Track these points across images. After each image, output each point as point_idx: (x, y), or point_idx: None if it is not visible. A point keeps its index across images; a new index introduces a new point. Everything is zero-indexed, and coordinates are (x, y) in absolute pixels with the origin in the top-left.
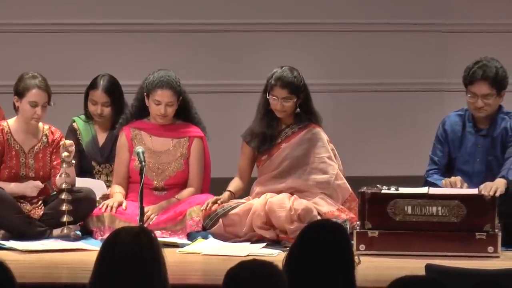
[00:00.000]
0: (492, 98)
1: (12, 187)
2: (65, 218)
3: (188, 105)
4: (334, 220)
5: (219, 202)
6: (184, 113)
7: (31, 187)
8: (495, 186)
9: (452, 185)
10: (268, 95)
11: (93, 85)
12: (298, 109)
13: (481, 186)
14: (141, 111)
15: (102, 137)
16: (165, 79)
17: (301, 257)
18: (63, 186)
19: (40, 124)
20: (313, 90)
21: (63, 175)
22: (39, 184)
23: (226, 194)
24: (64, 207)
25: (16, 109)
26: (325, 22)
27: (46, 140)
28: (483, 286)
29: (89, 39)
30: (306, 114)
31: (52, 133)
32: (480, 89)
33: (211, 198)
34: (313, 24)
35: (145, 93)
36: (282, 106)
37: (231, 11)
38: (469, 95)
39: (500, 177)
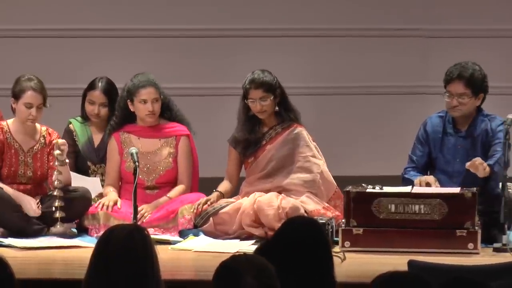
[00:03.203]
0: (467, 98)
1: (12, 193)
2: (57, 214)
3: (170, 104)
4: (319, 218)
5: (208, 202)
6: (167, 112)
7: (31, 205)
8: (485, 164)
9: (422, 184)
10: (246, 100)
11: (91, 86)
12: (277, 108)
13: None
14: (125, 119)
15: (97, 138)
16: (144, 79)
17: (276, 249)
18: (55, 183)
19: (38, 125)
20: (300, 93)
21: (55, 172)
22: (37, 210)
23: (215, 195)
24: (56, 203)
25: (13, 111)
26: (311, 27)
27: (44, 141)
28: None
29: (84, 44)
30: (286, 112)
31: (49, 134)
32: (456, 88)
33: (202, 199)
34: (299, 29)
35: (128, 100)
36: (261, 106)
37: (220, 17)
38: (446, 94)
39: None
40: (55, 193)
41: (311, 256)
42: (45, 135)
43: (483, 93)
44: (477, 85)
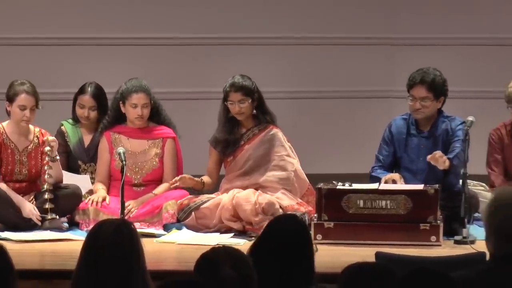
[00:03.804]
0: (429, 102)
1: (13, 196)
2: (47, 205)
3: (159, 108)
4: (294, 213)
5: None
6: (156, 116)
7: (30, 210)
8: (445, 157)
9: (388, 181)
10: (226, 102)
11: (81, 91)
12: (255, 111)
13: (431, 155)
14: (117, 119)
15: (87, 139)
16: (137, 84)
17: (267, 246)
18: (46, 177)
19: (31, 127)
20: (277, 97)
21: (46, 167)
22: (37, 215)
23: (199, 179)
24: (46, 195)
25: (8, 113)
26: (288, 36)
27: (37, 141)
28: (420, 272)
29: (75, 52)
30: (262, 115)
31: (42, 134)
32: (418, 92)
33: (187, 198)
34: (277, 38)
35: (120, 102)
36: (240, 108)
37: (205, 27)
38: (410, 98)
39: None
40: (45, 187)
41: (296, 249)
42: (38, 136)
43: (443, 97)
44: (438, 89)
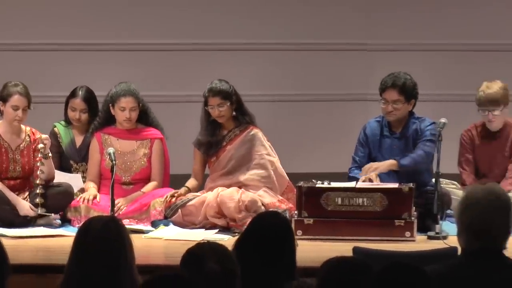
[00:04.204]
0: (401, 104)
1: (8, 194)
2: (37, 200)
3: (147, 111)
4: (276, 209)
5: (176, 195)
6: (144, 118)
7: (28, 210)
8: (374, 166)
9: (365, 180)
10: (206, 107)
11: (73, 94)
12: (234, 113)
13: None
14: (107, 120)
15: (79, 140)
16: (126, 88)
17: (250, 241)
18: (38, 172)
19: (23, 126)
20: (257, 100)
21: (38, 163)
22: (31, 212)
23: (183, 189)
24: (38, 190)
25: (1, 113)
26: (268, 42)
27: (29, 139)
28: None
29: (67, 57)
30: (242, 116)
31: (33, 133)
32: (390, 96)
33: (170, 192)
34: (257, 44)
35: (110, 104)
36: (219, 111)
37: (188, 34)
38: (382, 101)
39: (393, 159)
40: (37, 181)
41: (279, 245)
42: (29, 134)
43: (414, 99)
44: (409, 92)
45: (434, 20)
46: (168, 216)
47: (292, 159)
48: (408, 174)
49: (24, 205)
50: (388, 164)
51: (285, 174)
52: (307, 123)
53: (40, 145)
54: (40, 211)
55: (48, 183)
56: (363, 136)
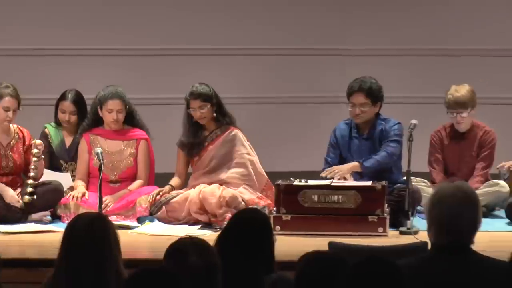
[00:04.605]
0: (368, 107)
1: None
2: (28, 189)
3: (133, 113)
4: (254, 206)
5: (161, 193)
6: (130, 119)
7: (12, 196)
8: (337, 171)
9: (342, 178)
10: (188, 109)
11: (62, 97)
12: (215, 115)
13: (327, 169)
14: (95, 122)
15: (68, 140)
16: (113, 91)
17: (231, 236)
18: (31, 174)
19: (11, 125)
20: (236, 102)
21: (32, 166)
22: (16, 202)
23: (167, 188)
24: (29, 188)
25: None
26: (248, 47)
27: (17, 136)
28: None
29: (57, 61)
30: (223, 117)
31: (20, 131)
32: (357, 99)
33: (155, 191)
34: (237, 49)
35: (98, 106)
36: (200, 113)
37: (172, 39)
38: (350, 104)
39: (356, 161)
40: (31, 174)
41: (258, 240)
42: (18, 132)
43: (380, 102)
44: (375, 95)
45: (404, 27)
46: (153, 213)
47: (270, 158)
48: (372, 175)
49: (9, 193)
50: (350, 166)
51: (264, 173)
52: (285, 125)
53: (35, 150)
54: (26, 200)
55: (36, 180)
56: (334, 138)
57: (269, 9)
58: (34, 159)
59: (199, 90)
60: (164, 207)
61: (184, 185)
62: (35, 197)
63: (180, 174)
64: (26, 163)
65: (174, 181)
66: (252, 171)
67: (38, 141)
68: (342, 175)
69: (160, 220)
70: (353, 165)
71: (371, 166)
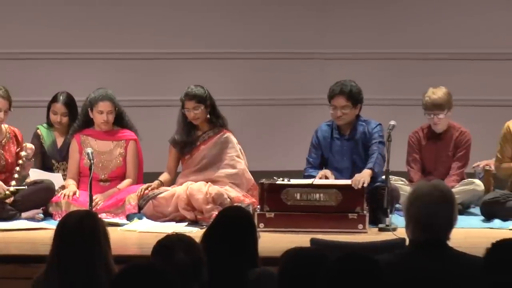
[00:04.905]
0: (348, 109)
1: None
2: (13, 183)
3: (122, 114)
4: (240, 204)
5: (149, 188)
6: (120, 121)
7: (0, 185)
8: (362, 179)
9: (323, 177)
10: (183, 109)
11: (54, 99)
12: (209, 116)
13: (352, 180)
14: (86, 123)
15: (60, 141)
16: (104, 93)
17: (217, 233)
18: (15, 175)
19: (2, 125)
20: (227, 104)
21: (17, 168)
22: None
23: (156, 183)
24: (16, 176)
25: None
26: (236, 51)
27: (9, 136)
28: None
29: (49, 64)
30: (216, 119)
31: (12, 130)
32: (339, 102)
33: (144, 185)
34: (228, 52)
35: (89, 108)
36: (194, 114)
37: (165, 43)
38: (331, 107)
39: (367, 168)
40: (17, 169)
41: (242, 236)
42: (9, 131)
43: (360, 104)
44: (355, 97)
45: (381, 31)
46: (141, 207)
47: (255, 158)
48: (359, 172)
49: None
50: (368, 173)
51: (251, 176)
52: (267, 126)
53: (23, 153)
54: (12, 188)
55: (18, 182)
56: (316, 139)
57: (251, 14)
58: (20, 161)
59: (194, 92)
60: (151, 201)
61: (173, 181)
62: (17, 189)
63: (170, 171)
64: (18, 162)
65: (164, 176)
66: (240, 172)
67: (29, 145)
68: (367, 182)
69: (147, 215)
70: (369, 172)
71: (379, 169)
